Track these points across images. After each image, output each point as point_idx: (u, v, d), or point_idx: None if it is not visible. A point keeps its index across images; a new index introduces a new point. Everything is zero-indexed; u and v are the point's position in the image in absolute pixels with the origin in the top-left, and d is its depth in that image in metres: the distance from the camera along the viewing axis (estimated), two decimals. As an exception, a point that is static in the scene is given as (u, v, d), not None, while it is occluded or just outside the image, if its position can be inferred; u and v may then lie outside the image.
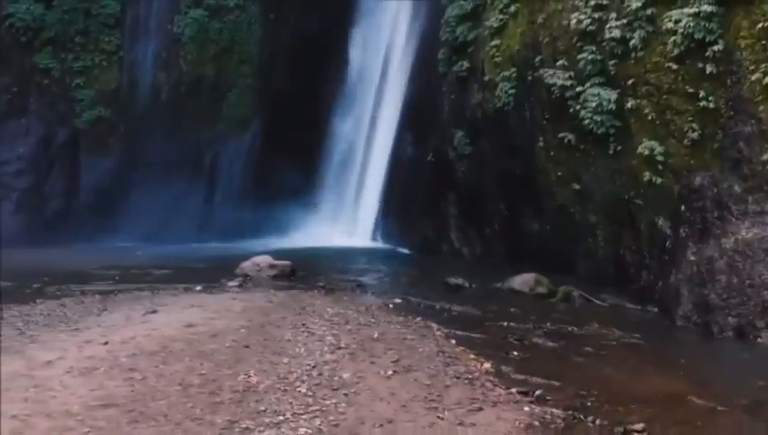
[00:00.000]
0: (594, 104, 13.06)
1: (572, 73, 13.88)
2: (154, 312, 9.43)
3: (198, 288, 12.40)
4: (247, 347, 7.49)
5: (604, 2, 13.08)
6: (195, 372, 6.34)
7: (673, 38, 11.27)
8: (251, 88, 24.95)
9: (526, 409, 5.91)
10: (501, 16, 17.51)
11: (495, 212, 17.99)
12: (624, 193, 12.69)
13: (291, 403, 5.63)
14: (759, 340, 8.66)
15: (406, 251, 21.16)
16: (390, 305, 10.84)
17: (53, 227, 22.21)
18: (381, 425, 5.24)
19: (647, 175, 12.01)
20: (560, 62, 14.28)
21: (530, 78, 15.87)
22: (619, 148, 12.84)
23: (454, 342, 8.30)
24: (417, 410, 5.70)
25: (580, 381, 6.78)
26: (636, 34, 12.16)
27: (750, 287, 8.97)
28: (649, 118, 12.05)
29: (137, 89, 23.75)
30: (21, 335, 8.04)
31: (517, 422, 5.54)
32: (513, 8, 17.09)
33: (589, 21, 13.27)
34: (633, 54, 12.30)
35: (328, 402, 5.68)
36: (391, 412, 5.57)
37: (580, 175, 14.11)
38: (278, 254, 21.05)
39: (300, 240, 23.26)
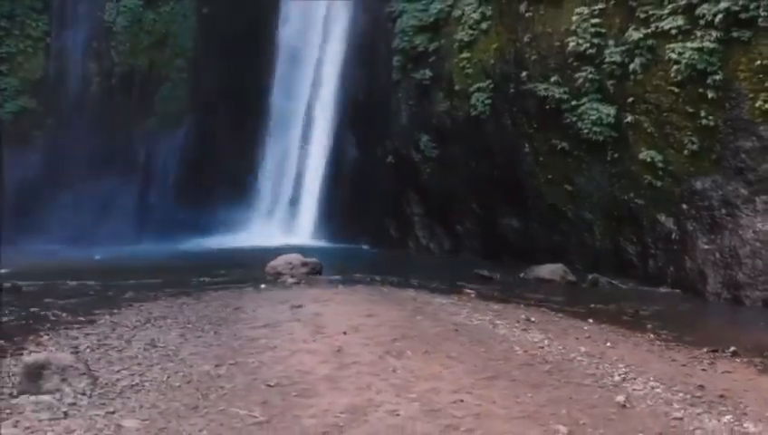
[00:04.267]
0: (594, 117, 15.26)
1: (567, 89, 15.96)
2: (300, 307, 9.76)
3: (263, 286, 12.62)
4: (456, 331, 8.36)
5: (602, 30, 15.31)
6: (481, 351, 7.17)
7: (676, 66, 13.66)
8: (184, 82, 24.34)
9: (737, 361, 7.61)
10: (471, 32, 19.30)
11: (467, 211, 19.72)
12: (624, 194, 15.02)
13: (598, 368, 6.79)
14: (785, 307, 11.32)
15: (366, 248, 22.07)
16: (472, 295, 12.00)
17: (-28, 227, 19.93)
18: (689, 375, 6.63)
19: (647, 178, 14.41)
20: (553, 79, 16.31)
21: (512, 90, 17.77)
22: (616, 155, 15.16)
23: (591, 321, 9.77)
24: (682, 368, 7.13)
25: (731, 340, 8.56)
26: (636, 60, 14.46)
27: (774, 268, 11.62)
28: (648, 131, 14.45)
29: (65, 79, 22.12)
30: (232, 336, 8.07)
31: (748, 368, 7.20)
32: (484, 25, 18.96)
33: (588, 45, 15.41)
34: (633, 77, 14.62)
35: (622, 368, 6.90)
36: (671, 367, 6.96)
37: (573, 178, 16.27)
38: (228, 253, 21.25)
39: (239, 239, 23.40)
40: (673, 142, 14.07)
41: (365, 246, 22.28)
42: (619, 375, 6.54)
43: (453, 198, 19.97)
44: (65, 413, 5.37)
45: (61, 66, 21.84)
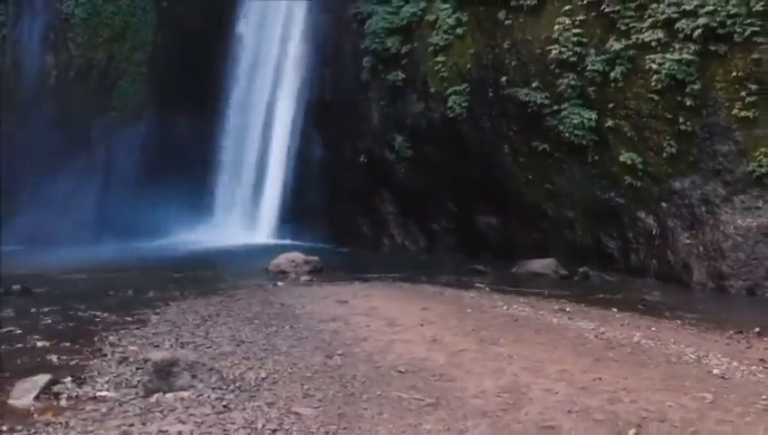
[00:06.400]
0: (576, 121, 16.24)
1: (548, 94, 16.87)
2: (347, 302, 10.02)
3: (280, 284, 12.77)
4: (516, 321, 8.92)
5: (584, 39, 16.31)
6: (559, 338, 7.74)
7: (656, 76, 14.83)
8: (144, 77, 23.70)
9: (765, 339, 8.57)
10: (446, 36, 19.95)
11: (443, 210, 20.35)
12: (605, 193, 16.08)
13: (668, 348, 7.52)
14: (767, 294, 12.60)
15: (337, 247, 22.23)
16: (486, 289, 12.59)
17: None
18: (741, 352, 7.48)
19: (628, 179, 15.53)
20: (534, 84, 17.18)
21: (491, 94, 18.56)
22: (597, 157, 16.21)
23: (615, 309, 10.58)
24: (727, 347, 7.98)
25: (743, 322, 9.58)
26: (617, 69, 15.54)
27: (755, 259, 12.91)
28: (628, 135, 15.57)
29: (21, 72, 20.99)
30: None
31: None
32: (459, 30, 19.67)
33: (570, 53, 16.37)
34: (613, 84, 15.69)
35: (687, 348, 7.66)
36: (720, 346, 7.81)
37: (553, 178, 17.22)
38: (194, 252, 21.02)
39: (200, 239, 23.11)
40: (652, 146, 15.24)
41: (335, 245, 22.43)
42: (692, 354, 7.29)
43: (428, 196, 20.53)
44: (225, 407, 5.47)
45: (16, 59, 20.75)
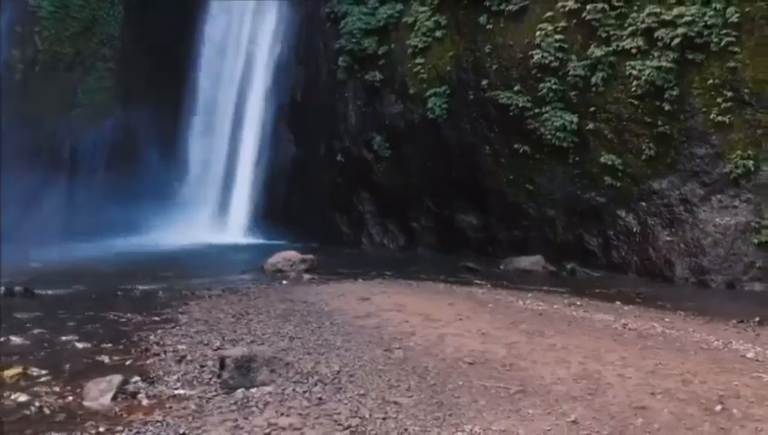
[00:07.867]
0: (557, 124, 16.89)
1: (530, 98, 17.47)
2: (369, 299, 10.21)
3: (285, 282, 12.82)
4: (540, 315, 9.32)
5: (565, 45, 16.96)
6: (592, 330, 8.17)
7: (636, 82, 15.60)
8: (112, 73, 23.16)
9: (768, 328, 9.29)
10: (424, 38, 20.36)
11: (422, 208, 20.73)
12: (585, 193, 16.79)
13: (693, 336, 8.06)
14: (745, 288, 13.49)
15: (314, 246, 22.25)
16: (488, 286, 13.00)
17: None
18: (755, 338, 8.09)
19: (608, 179, 16.28)
20: (516, 88, 17.74)
21: (471, 97, 19.05)
22: (578, 158, 16.90)
23: (619, 303, 11.15)
24: (739, 334, 8.61)
25: (737, 313, 10.30)
26: (598, 74, 16.26)
27: (733, 255, 13.81)
28: (608, 137, 16.31)
29: (-13, 66, 20.16)
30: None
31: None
32: (438, 33, 20.12)
33: (552, 58, 17.00)
34: (594, 89, 16.39)
35: (709, 337, 8.22)
36: (733, 334, 8.42)
37: (534, 178, 17.84)
38: (166, 252, 20.76)
39: (171, 238, 22.78)
40: (631, 148, 16.02)
41: (312, 244, 22.44)
42: (717, 341, 7.85)
43: (408, 195, 20.87)
44: (319, 399, 5.61)
45: (-19, 52, 19.94)
